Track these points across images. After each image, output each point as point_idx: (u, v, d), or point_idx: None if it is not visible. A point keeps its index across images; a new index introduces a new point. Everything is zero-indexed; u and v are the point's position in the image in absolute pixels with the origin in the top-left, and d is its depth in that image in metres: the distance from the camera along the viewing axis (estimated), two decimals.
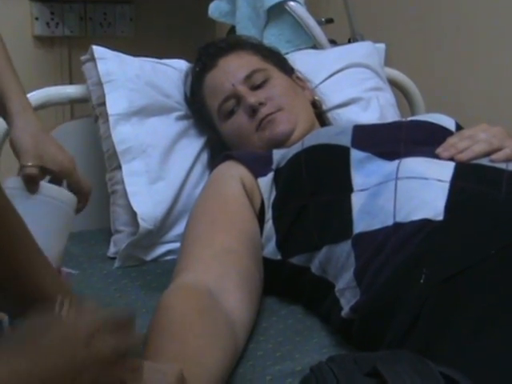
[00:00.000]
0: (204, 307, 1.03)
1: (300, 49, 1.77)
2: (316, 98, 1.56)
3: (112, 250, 1.45)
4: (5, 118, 1.17)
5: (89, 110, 1.54)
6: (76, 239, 1.44)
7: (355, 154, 1.21)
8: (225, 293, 1.07)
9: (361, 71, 1.69)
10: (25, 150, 1.07)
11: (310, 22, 1.75)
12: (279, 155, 1.32)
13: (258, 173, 1.30)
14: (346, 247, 1.11)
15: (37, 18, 2.29)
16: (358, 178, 1.18)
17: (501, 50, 1.85)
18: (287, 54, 1.66)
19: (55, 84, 1.75)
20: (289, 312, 1.20)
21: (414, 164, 1.15)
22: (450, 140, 1.21)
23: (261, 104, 1.40)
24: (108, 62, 1.51)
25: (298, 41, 1.77)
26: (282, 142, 1.38)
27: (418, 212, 1.06)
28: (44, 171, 1.08)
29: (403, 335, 0.95)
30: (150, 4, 2.48)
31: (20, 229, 0.78)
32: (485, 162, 1.16)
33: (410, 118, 1.46)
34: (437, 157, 1.18)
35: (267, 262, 1.22)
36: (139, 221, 1.39)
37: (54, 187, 1.10)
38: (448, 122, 1.35)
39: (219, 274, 1.10)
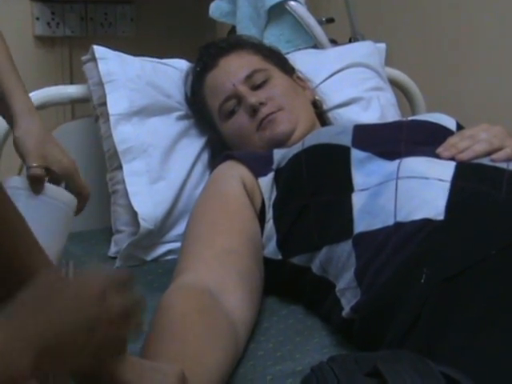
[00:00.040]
0: (205, 307, 1.03)
1: (300, 48, 1.77)
2: (316, 97, 1.56)
3: (113, 249, 1.46)
4: (5, 118, 1.17)
5: (90, 110, 1.54)
6: (77, 239, 1.44)
7: (356, 154, 1.21)
8: (225, 292, 1.07)
9: (361, 71, 1.69)
10: (29, 151, 1.08)
11: (311, 21, 1.75)
12: (280, 155, 1.32)
13: (258, 173, 1.30)
14: (346, 247, 1.11)
15: (38, 18, 2.29)
16: (358, 178, 1.18)
17: (501, 50, 1.85)
18: (288, 53, 1.66)
19: (56, 84, 1.75)
20: (289, 312, 1.20)
21: (414, 164, 1.15)
22: (451, 140, 1.21)
23: (261, 104, 1.40)
24: (109, 62, 1.51)
25: (299, 40, 1.77)
26: (282, 142, 1.38)
27: (419, 212, 1.06)
28: (47, 172, 1.09)
29: (404, 335, 0.95)
30: (150, 4, 2.48)
31: (21, 226, 0.78)
32: (485, 161, 1.16)
33: (410, 118, 1.46)
34: (437, 156, 1.18)
35: (268, 262, 1.22)
36: (140, 221, 1.39)
37: (55, 188, 1.11)
38: (449, 122, 1.35)
39: (220, 273, 1.10)
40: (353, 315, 1.06)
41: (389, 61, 1.81)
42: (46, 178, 1.11)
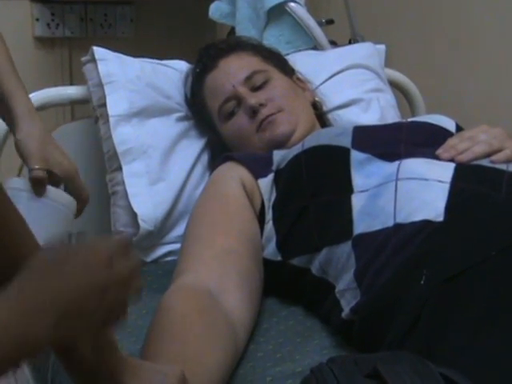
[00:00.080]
0: (204, 308, 1.03)
1: (300, 50, 1.76)
2: (316, 99, 1.56)
3: None
4: (5, 119, 1.18)
5: (89, 111, 1.54)
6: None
7: (355, 155, 1.21)
8: (225, 293, 1.07)
9: (361, 72, 1.69)
10: (31, 154, 1.09)
11: (311, 22, 1.75)
12: (279, 156, 1.32)
13: (258, 174, 1.30)
14: (346, 248, 1.11)
15: (37, 19, 2.29)
16: (358, 179, 1.18)
17: (501, 51, 1.85)
18: (287, 54, 1.66)
19: (56, 85, 1.75)
20: (289, 313, 1.20)
21: (414, 165, 1.15)
22: (450, 141, 1.21)
23: (261, 105, 1.40)
24: (108, 63, 1.51)
25: (299, 42, 1.77)
26: (282, 143, 1.38)
27: (419, 213, 1.06)
28: (49, 174, 1.09)
29: (403, 336, 0.95)
30: (150, 5, 2.48)
31: (21, 227, 0.78)
32: (485, 163, 1.16)
33: (410, 119, 1.46)
34: (437, 158, 1.18)
35: (267, 263, 1.22)
36: (140, 222, 1.39)
37: (55, 190, 1.11)
38: (448, 124, 1.35)
39: (219, 274, 1.11)
40: (352, 316, 1.06)
41: (388, 62, 1.81)
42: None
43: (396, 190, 1.11)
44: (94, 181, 1.47)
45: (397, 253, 1.03)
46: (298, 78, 1.55)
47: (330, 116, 1.59)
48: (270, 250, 1.23)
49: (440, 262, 0.98)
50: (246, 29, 1.78)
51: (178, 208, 1.46)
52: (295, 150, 1.29)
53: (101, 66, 1.49)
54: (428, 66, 2.02)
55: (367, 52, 1.75)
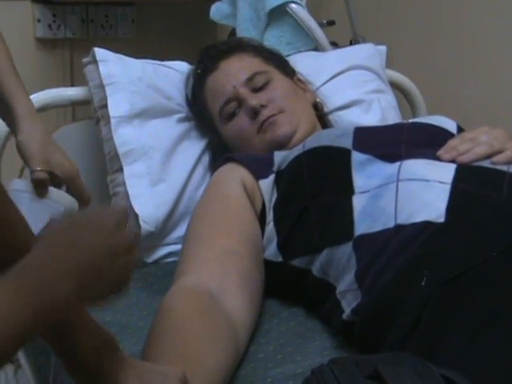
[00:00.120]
0: (205, 308, 1.03)
1: (301, 51, 1.77)
2: (317, 100, 1.56)
3: None
4: (5, 120, 1.18)
5: (90, 113, 1.55)
6: None
7: (356, 156, 1.21)
8: (226, 294, 1.07)
9: (362, 73, 1.69)
10: (33, 155, 1.09)
11: (312, 24, 1.75)
12: (280, 157, 1.32)
13: (259, 175, 1.30)
14: (347, 249, 1.11)
15: (39, 20, 2.29)
16: (359, 180, 1.18)
17: (501, 52, 1.85)
18: (288, 56, 1.66)
19: (57, 86, 1.75)
20: (290, 314, 1.20)
21: (415, 166, 1.15)
22: (451, 142, 1.21)
23: (262, 106, 1.40)
24: (110, 64, 1.51)
25: (299, 43, 1.78)
26: (283, 144, 1.39)
27: (420, 214, 1.06)
28: (51, 176, 1.10)
29: (404, 337, 0.95)
30: (151, 6, 2.48)
31: (22, 228, 0.78)
32: (486, 164, 1.16)
33: (411, 120, 1.46)
34: (438, 159, 1.18)
35: (268, 264, 1.22)
36: (141, 223, 1.39)
37: (56, 191, 1.11)
38: (449, 125, 1.35)
39: (220, 275, 1.11)
40: (353, 317, 1.06)
41: (389, 63, 1.81)
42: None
43: (397, 191, 1.11)
44: (95, 182, 1.47)
45: (398, 254, 1.03)
46: (299, 79, 1.55)
47: (330, 117, 1.59)
48: (271, 251, 1.23)
49: (441, 263, 0.98)
50: (246, 30, 1.79)
51: (178, 209, 1.46)
52: (296, 150, 1.29)
53: (102, 68, 1.50)
54: (429, 66, 2.02)
55: (368, 53, 1.75)
